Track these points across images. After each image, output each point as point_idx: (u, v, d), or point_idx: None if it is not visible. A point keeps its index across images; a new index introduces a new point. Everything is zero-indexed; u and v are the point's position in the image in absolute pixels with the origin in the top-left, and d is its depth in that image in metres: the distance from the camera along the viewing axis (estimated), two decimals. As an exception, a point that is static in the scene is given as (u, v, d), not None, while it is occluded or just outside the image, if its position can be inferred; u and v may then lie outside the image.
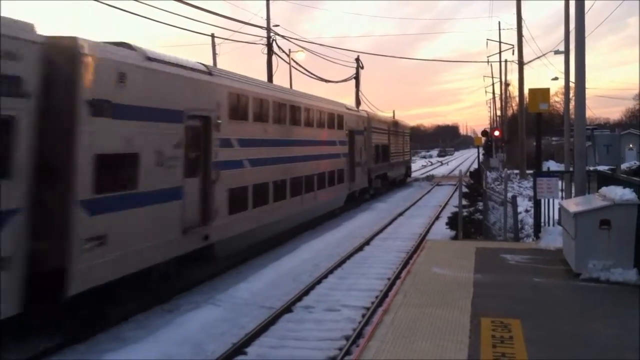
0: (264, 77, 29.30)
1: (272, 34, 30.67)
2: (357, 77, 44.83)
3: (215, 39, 38.22)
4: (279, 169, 17.61)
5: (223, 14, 30.93)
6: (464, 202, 20.39)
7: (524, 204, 22.20)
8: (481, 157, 54.96)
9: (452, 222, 19.72)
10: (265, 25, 30.45)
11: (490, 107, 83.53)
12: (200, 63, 13.61)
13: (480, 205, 21.59)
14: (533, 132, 24.18)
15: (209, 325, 10.41)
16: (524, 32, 42.94)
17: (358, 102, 44.44)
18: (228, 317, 10.96)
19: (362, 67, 45.02)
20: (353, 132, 27.00)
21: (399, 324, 7.39)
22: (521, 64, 41.48)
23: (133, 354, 8.93)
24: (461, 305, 8.13)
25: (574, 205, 10.49)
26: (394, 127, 39.66)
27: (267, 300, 12.05)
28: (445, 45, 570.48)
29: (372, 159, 31.26)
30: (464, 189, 22.78)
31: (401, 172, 42.75)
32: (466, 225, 18.37)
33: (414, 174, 55.67)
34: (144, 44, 12.05)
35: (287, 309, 11.44)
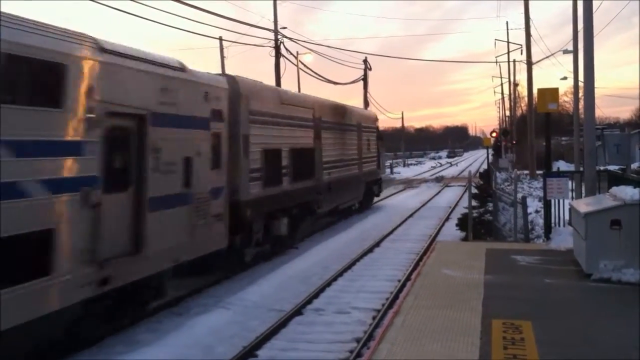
0: (272, 80, 29.23)
1: (279, 37, 30.75)
2: (365, 79, 44.90)
3: (223, 42, 38.47)
4: None
5: (230, 17, 30.97)
6: (474, 203, 20.35)
7: (534, 205, 22.07)
8: (490, 157, 54.84)
9: (462, 223, 19.68)
10: (272, 27, 30.54)
11: (499, 107, 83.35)
12: None
13: (490, 206, 21.54)
14: (542, 132, 24.08)
15: (219, 329, 10.43)
16: (532, 31, 42.82)
17: (366, 104, 44.47)
18: (238, 320, 10.98)
19: (370, 69, 45.09)
20: (145, 118, 9.86)
21: (409, 326, 7.38)
22: (530, 63, 41.34)
23: (144, 357, 8.97)
24: (472, 306, 8.10)
25: (584, 205, 10.44)
26: (336, 116, 22.34)
27: (277, 303, 12.06)
28: (452, 46, 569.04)
29: (250, 179, 14.56)
30: (474, 190, 22.73)
31: (354, 194, 25.01)
32: (476, 227, 18.35)
33: (412, 174, 55.09)
34: (150, 47, 11.68)
35: (297, 311, 11.45)
